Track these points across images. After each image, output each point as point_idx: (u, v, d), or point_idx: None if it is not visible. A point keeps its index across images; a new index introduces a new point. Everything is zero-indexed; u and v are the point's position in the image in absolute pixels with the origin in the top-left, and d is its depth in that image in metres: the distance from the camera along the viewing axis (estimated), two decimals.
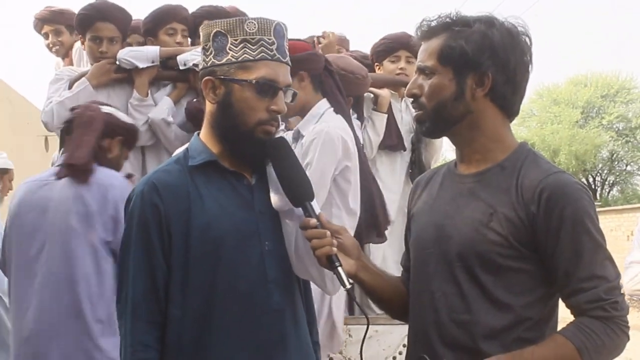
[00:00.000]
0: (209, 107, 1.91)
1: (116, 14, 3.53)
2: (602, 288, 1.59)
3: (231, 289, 1.81)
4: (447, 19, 1.74)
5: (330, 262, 1.76)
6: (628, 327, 1.62)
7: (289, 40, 1.93)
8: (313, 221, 1.78)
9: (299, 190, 1.83)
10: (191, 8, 3.76)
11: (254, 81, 1.83)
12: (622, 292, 1.64)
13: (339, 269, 1.75)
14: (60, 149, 3.44)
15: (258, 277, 1.85)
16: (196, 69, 3.28)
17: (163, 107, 3.45)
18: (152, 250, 1.81)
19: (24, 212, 2.71)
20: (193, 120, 3.26)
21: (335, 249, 1.76)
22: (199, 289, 1.81)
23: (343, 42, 4.45)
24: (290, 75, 1.93)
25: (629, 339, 1.63)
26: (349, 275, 1.78)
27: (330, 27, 5.38)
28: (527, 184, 1.65)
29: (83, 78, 3.42)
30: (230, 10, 3.76)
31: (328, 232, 1.77)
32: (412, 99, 1.80)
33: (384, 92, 3.61)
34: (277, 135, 1.93)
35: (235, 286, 1.82)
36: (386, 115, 3.59)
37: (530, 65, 1.75)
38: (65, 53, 4.29)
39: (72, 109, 2.93)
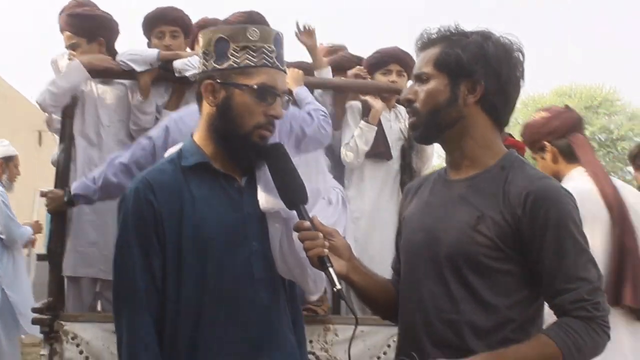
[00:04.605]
0: (206, 109, 1.95)
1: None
2: (585, 289, 1.64)
3: (219, 287, 1.87)
4: (447, 32, 1.81)
5: (321, 263, 1.80)
6: (609, 327, 1.66)
7: None
8: (307, 223, 1.83)
9: (294, 194, 1.88)
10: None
11: (255, 86, 1.88)
12: (603, 293, 1.69)
13: (330, 269, 1.79)
14: (59, 145, 3.47)
15: (245, 275, 1.90)
16: (191, 79, 3.34)
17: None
18: (149, 245, 1.85)
19: None
20: None
21: (326, 250, 1.80)
22: (191, 286, 1.86)
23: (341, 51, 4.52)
24: None
25: (609, 339, 1.67)
26: (340, 276, 1.82)
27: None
28: (514, 189, 1.70)
29: (76, 61, 3.48)
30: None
31: (320, 234, 1.81)
32: (406, 105, 1.85)
33: (378, 105, 3.68)
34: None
35: (223, 284, 1.87)
36: (376, 128, 3.67)
37: (521, 80, 1.82)
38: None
39: None
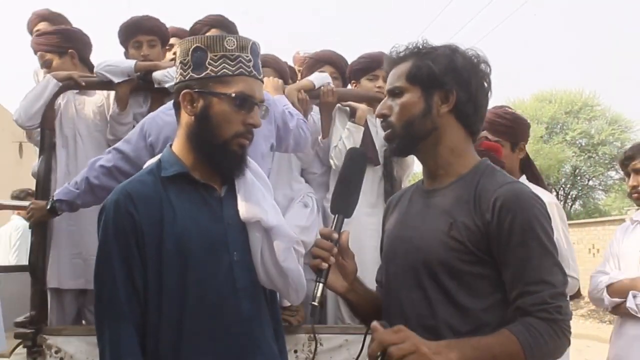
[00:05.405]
0: (185, 119, 1.97)
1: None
2: (548, 292, 1.67)
3: (201, 298, 1.88)
4: (415, 47, 1.87)
5: (318, 274, 1.83)
6: (570, 332, 1.69)
7: None
8: (334, 235, 1.86)
9: (346, 205, 1.90)
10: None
11: (232, 95, 1.90)
12: (567, 298, 1.72)
13: (320, 285, 1.82)
14: (39, 156, 3.46)
15: (227, 286, 1.91)
16: (171, 90, 3.34)
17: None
18: (130, 256, 1.86)
19: None
20: None
21: (326, 264, 1.82)
22: (172, 297, 1.86)
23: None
24: None
25: (569, 344, 1.70)
26: (338, 293, 1.91)
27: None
28: (484, 194, 1.75)
29: (48, 75, 3.49)
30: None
31: (335, 249, 1.84)
32: (381, 120, 1.90)
33: (363, 106, 3.69)
34: None
35: (205, 295, 1.88)
36: (363, 128, 3.66)
37: (489, 91, 1.88)
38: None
39: None
